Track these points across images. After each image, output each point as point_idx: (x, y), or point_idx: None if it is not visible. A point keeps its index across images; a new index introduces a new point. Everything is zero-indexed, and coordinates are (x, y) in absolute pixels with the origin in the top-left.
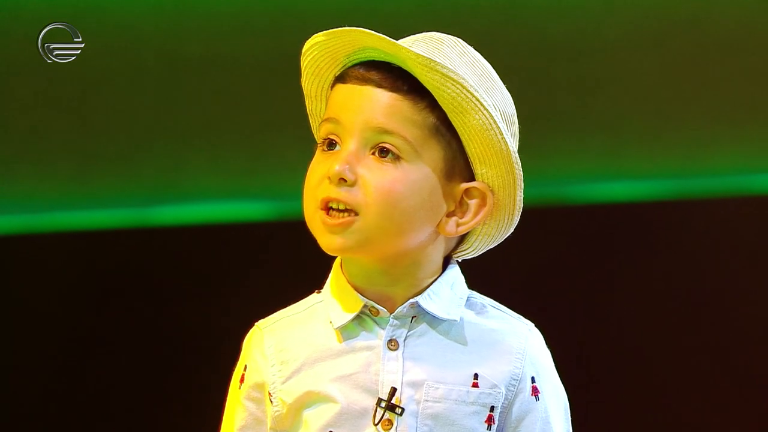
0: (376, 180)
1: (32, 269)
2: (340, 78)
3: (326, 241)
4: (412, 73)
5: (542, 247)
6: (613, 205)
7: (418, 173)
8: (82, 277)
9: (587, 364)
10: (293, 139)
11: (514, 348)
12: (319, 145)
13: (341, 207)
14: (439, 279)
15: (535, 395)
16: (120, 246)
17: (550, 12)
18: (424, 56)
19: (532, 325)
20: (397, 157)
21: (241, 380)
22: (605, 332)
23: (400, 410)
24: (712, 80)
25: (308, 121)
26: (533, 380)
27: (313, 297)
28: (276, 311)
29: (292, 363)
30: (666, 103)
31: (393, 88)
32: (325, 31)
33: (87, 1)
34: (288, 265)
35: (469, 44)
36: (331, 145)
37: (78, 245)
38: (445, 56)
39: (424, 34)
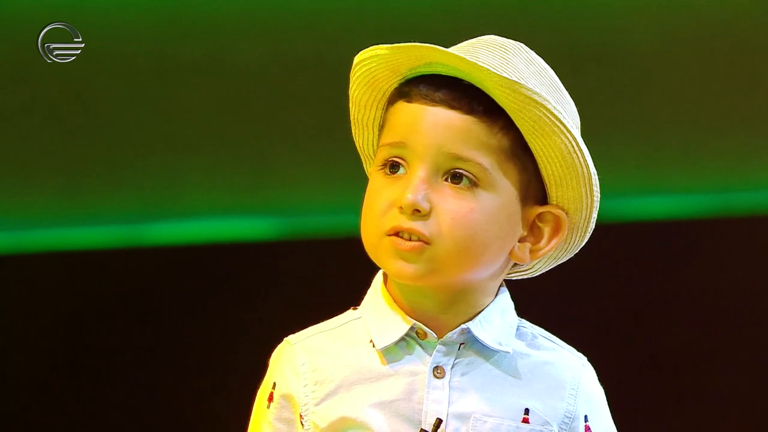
0: (453, 210)
1: (15, 293)
2: (403, 95)
3: (397, 267)
4: (488, 92)
5: (572, 268)
6: (650, 222)
7: (495, 201)
8: (70, 301)
9: (618, 387)
10: (300, 151)
11: (568, 383)
12: (380, 167)
13: (414, 238)
14: (491, 305)
15: None
16: (111, 267)
17: (578, 11)
18: (507, 78)
19: (585, 359)
20: (473, 184)
21: (270, 399)
22: (640, 358)
23: None
24: (756, 87)
25: (315, 131)
26: (586, 419)
27: (350, 313)
28: (283, 335)
29: (327, 384)
30: (707, 110)
31: (468, 110)
32: (388, 45)
33: (87, 1)
34: (294, 287)
35: None
36: (394, 167)
37: (65, 266)
38: (514, 68)
39: (483, 39)
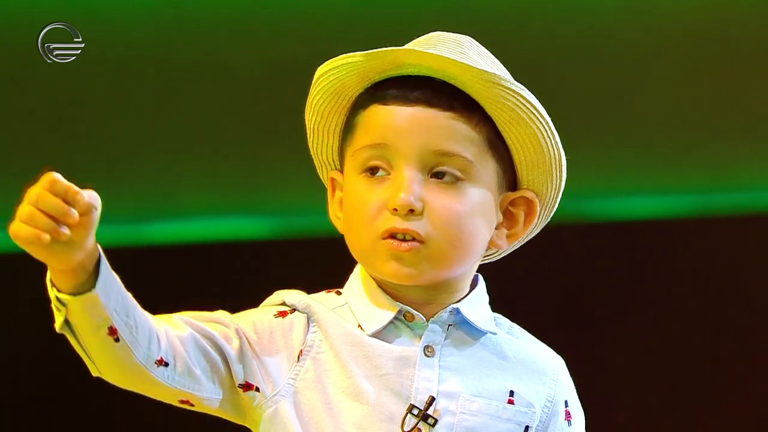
0: (443, 207)
1: (14, 292)
2: (377, 98)
3: (393, 269)
4: (463, 87)
5: (560, 266)
6: (637, 222)
7: (478, 192)
8: None
9: (608, 384)
10: (293, 153)
11: (549, 370)
12: (360, 171)
13: (408, 237)
14: (473, 293)
15: (568, 420)
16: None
17: (568, 15)
18: (488, 72)
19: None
20: (458, 179)
21: (282, 315)
22: (627, 354)
23: (432, 421)
24: (741, 91)
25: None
26: (566, 404)
27: (334, 298)
28: None
29: (326, 340)
30: (693, 113)
31: (447, 107)
32: (362, 53)
33: (87, 1)
34: (288, 285)
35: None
36: (374, 170)
37: None
38: (471, 60)
39: (434, 36)
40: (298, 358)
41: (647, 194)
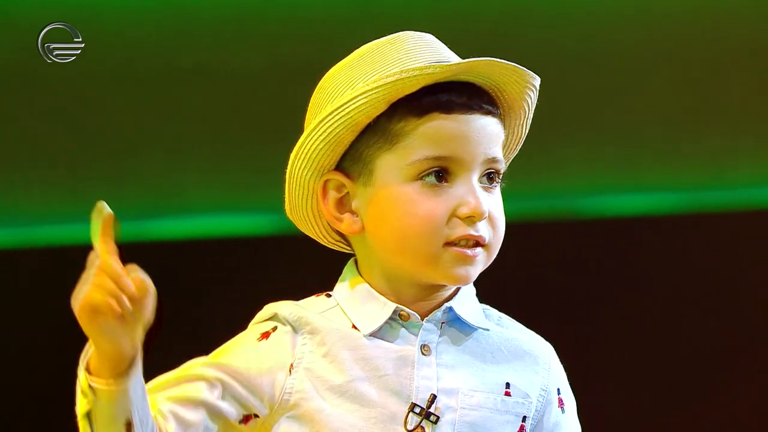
0: (496, 210)
1: (22, 287)
2: (439, 106)
3: (461, 274)
4: (501, 90)
5: (552, 262)
6: (627, 218)
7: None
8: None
9: (599, 380)
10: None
11: (541, 359)
12: (416, 178)
13: (472, 243)
14: (462, 289)
15: (561, 407)
16: None
17: (561, 17)
18: (532, 74)
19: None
20: (495, 181)
21: (265, 336)
22: (617, 350)
23: (435, 418)
24: (731, 90)
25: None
26: (559, 392)
27: (323, 301)
28: None
29: (321, 347)
30: (683, 112)
31: (495, 113)
32: (442, 64)
33: (87, 1)
34: (289, 279)
35: (479, 50)
36: (440, 177)
37: (70, 260)
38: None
39: (423, 39)
40: (290, 371)
41: (638, 191)
